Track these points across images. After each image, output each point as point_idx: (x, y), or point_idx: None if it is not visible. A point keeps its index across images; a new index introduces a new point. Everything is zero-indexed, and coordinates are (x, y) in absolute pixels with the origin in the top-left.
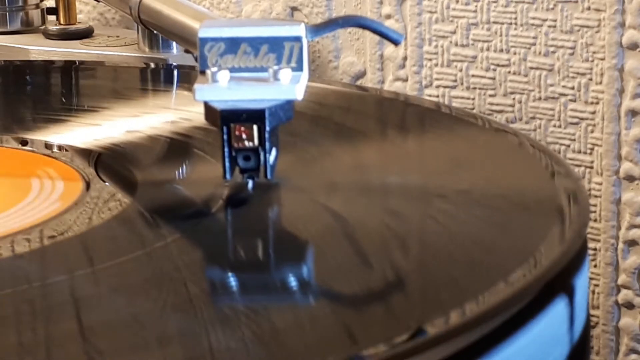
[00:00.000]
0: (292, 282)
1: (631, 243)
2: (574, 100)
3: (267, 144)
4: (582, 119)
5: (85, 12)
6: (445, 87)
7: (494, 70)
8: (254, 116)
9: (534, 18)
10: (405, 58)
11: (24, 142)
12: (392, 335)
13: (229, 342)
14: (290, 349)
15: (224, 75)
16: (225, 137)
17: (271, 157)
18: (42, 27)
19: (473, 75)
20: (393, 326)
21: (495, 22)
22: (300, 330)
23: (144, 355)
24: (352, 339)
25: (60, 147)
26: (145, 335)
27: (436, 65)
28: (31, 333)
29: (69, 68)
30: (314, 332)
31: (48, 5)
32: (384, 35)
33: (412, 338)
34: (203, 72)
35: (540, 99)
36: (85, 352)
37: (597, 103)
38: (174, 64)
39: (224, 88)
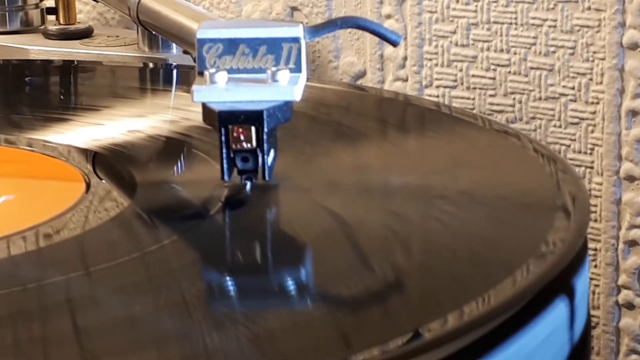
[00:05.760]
0: (289, 284)
1: (631, 243)
2: (575, 100)
3: (265, 145)
4: (582, 119)
5: (85, 12)
6: (445, 87)
7: (494, 70)
8: (252, 117)
9: (534, 18)
10: (405, 58)
11: (23, 141)
12: (389, 338)
13: (224, 345)
14: (286, 352)
15: (222, 77)
16: (223, 138)
17: (269, 159)
18: (42, 27)
19: (473, 75)
20: (390, 329)
21: (495, 22)
22: (296, 333)
23: (140, 357)
24: (347, 342)
25: (59, 147)
26: (141, 337)
27: (436, 65)
28: (27, 334)
29: (68, 67)
30: (310, 335)
31: (48, 5)
32: (382, 36)
33: (410, 341)
34: (201, 73)
35: (540, 99)
36: (81, 353)
37: (598, 103)
38: (174, 64)
39: (222, 89)
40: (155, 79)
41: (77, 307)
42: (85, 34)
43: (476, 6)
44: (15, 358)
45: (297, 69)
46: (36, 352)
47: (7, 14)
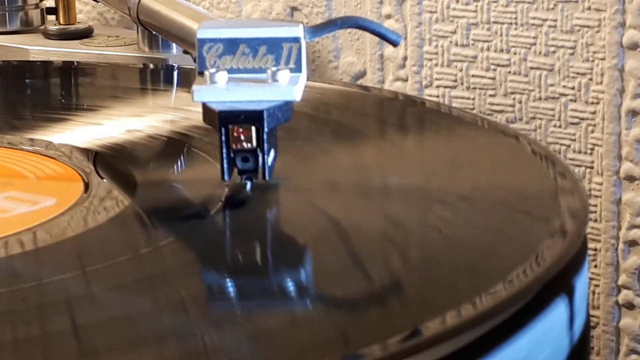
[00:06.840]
0: (288, 283)
1: (631, 243)
2: (575, 100)
3: (266, 145)
4: (582, 119)
5: (85, 12)
6: (445, 87)
7: (494, 70)
8: (252, 117)
9: (534, 18)
10: (405, 58)
11: (24, 142)
12: (387, 336)
13: (223, 344)
14: (285, 350)
15: (222, 76)
16: (223, 138)
17: (270, 159)
18: (42, 27)
19: (473, 75)
20: (388, 327)
21: (495, 22)
22: (295, 331)
23: (138, 355)
24: (346, 340)
25: (59, 147)
26: (139, 335)
27: (436, 65)
28: (26, 332)
29: (68, 68)
30: (309, 333)
31: (48, 5)
32: (382, 36)
33: (408, 339)
34: (201, 73)
35: (540, 99)
36: (79, 351)
37: (598, 103)
38: (174, 64)
39: (222, 89)
40: (155, 79)
41: (76, 306)
42: (85, 34)
43: (476, 6)
44: (14, 356)
45: (297, 68)
46: (35, 349)
47: (7, 14)
